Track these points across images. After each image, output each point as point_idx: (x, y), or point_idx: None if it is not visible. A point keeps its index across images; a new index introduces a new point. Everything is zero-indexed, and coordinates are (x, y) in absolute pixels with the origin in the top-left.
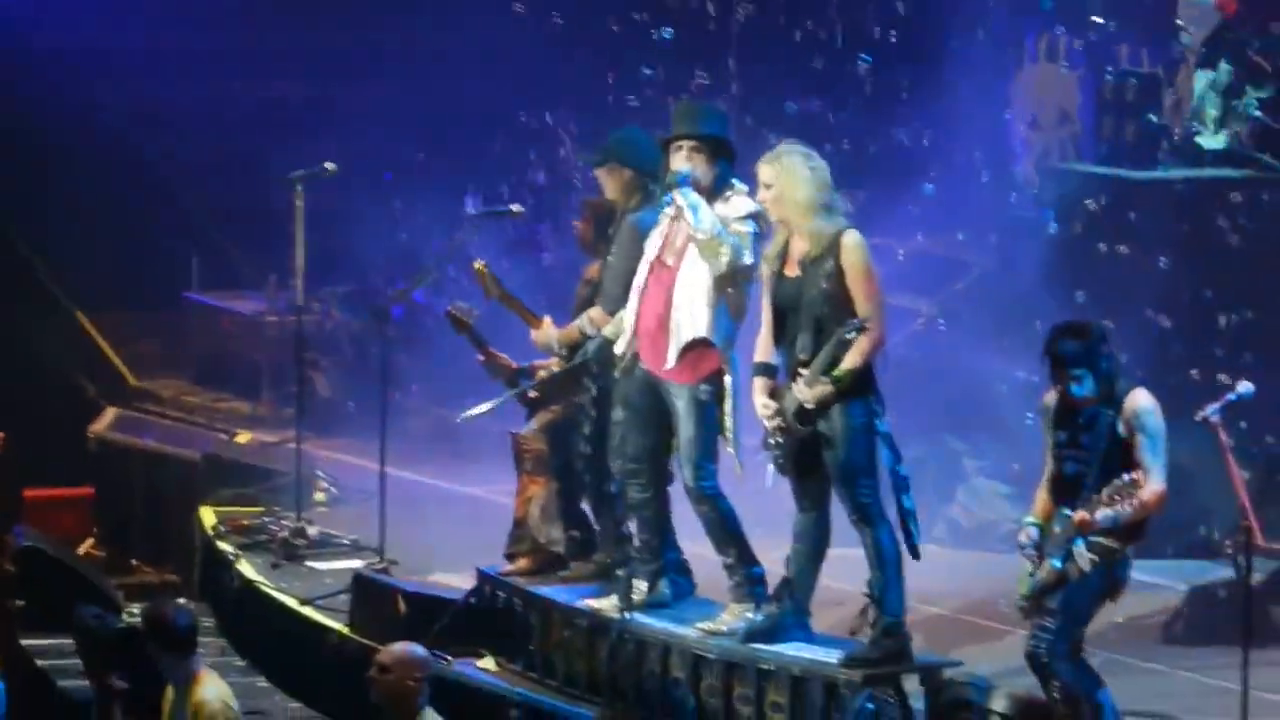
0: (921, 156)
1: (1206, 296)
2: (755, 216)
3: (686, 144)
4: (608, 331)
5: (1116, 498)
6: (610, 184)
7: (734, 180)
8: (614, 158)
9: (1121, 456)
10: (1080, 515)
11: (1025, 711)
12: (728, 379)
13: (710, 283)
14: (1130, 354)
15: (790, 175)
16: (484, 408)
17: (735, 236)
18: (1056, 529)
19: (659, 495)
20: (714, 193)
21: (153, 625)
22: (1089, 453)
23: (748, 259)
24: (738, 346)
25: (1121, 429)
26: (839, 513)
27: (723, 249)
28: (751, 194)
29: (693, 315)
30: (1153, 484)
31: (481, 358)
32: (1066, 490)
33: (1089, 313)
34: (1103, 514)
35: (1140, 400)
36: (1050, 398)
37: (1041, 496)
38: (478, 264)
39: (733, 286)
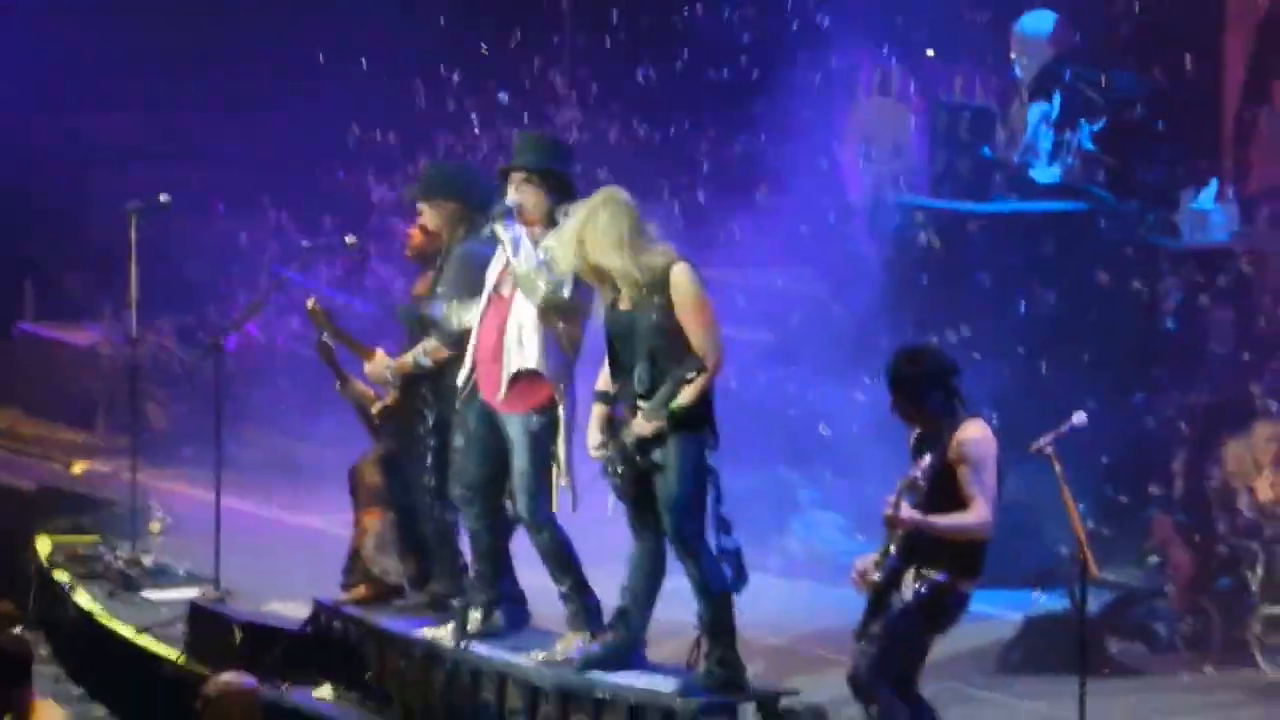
0: (760, 186)
1: (1043, 328)
2: None
3: (518, 175)
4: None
5: (911, 492)
6: (433, 217)
7: (568, 209)
8: (437, 191)
9: (953, 485)
10: (887, 510)
11: None
12: (560, 410)
13: (536, 315)
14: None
15: (599, 220)
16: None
17: (556, 272)
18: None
19: (494, 525)
20: (548, 224)
21: None
22: (923, 480)
23: (566, 292)
24: (580, 377)
25: (950, 455)
26: None
27: (540, 282)
28: None
29: (522, 346)
30: (972, 511)
31: (338, 384)
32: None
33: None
34: (909, 513)
35: (968, 431)
36: (912, 435)
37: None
38: (309, 303)
39: (562, 319)
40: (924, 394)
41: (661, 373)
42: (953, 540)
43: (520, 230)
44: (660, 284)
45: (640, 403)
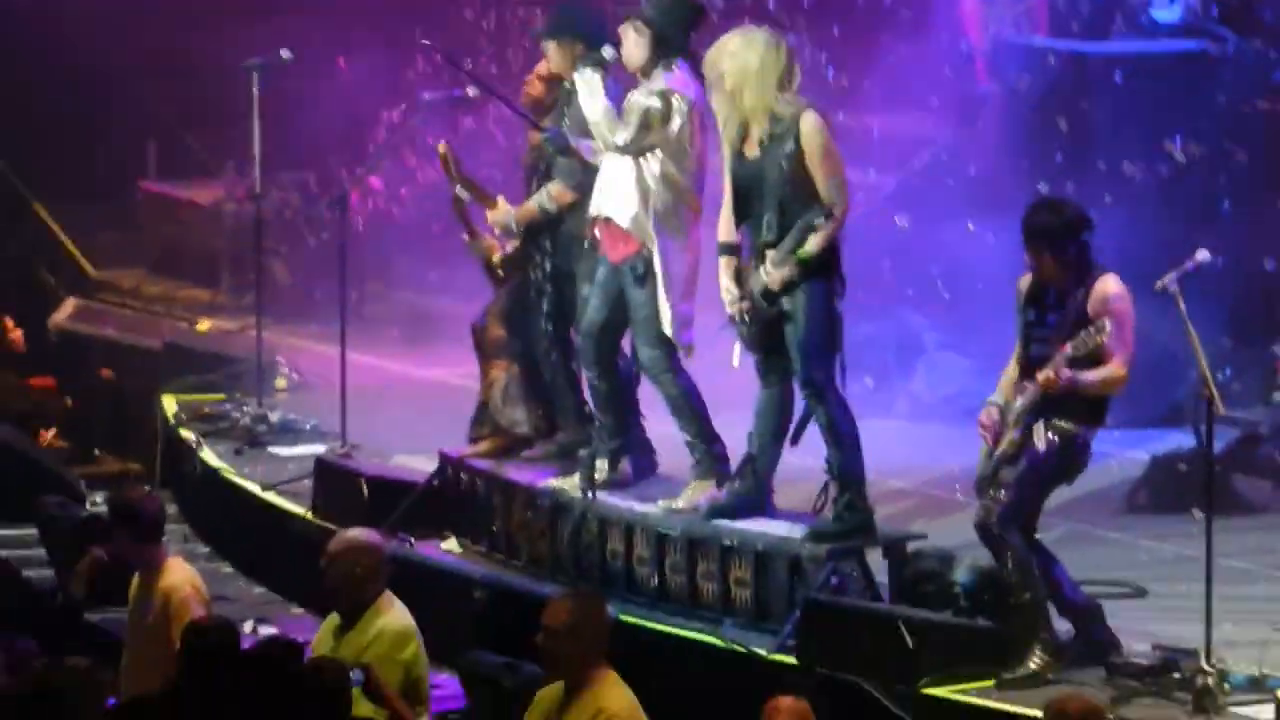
0: (881, 30)
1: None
2: (662, 95)
3: (631, 23)
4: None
5: (1080, 348)
6: (559, 58)
7: (675, 62)
8: (566, 30)
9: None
10: (1044, 374)
11: (987, 582)
12: (655, 259)
13: (630, 164)
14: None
15: (756, 48)
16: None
17: (627, 114)
18: (1018, 404)
19: (610, 373)
20: (649, 71)
21: (120, 512)
22: (1055, 332)
23: (622, 138)
24: (705, 222)
25: (1091, 310)
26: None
27: (606, 132)
28: (695, 73)
29: (612, 197)
30: (1115, 366)
31: (466, 235)
32: (1032, 371)
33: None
34: (1065, 373)
35: (1109, 286)
36: (1024, 280)
37: (1007, 376)
38: (440, 146)
39: (658, 167)
40: (1062, 244)
41: (789, 220)
42: (1085, 393)
43: (595, 81)
44: (790, 132)
45: (768, 251)
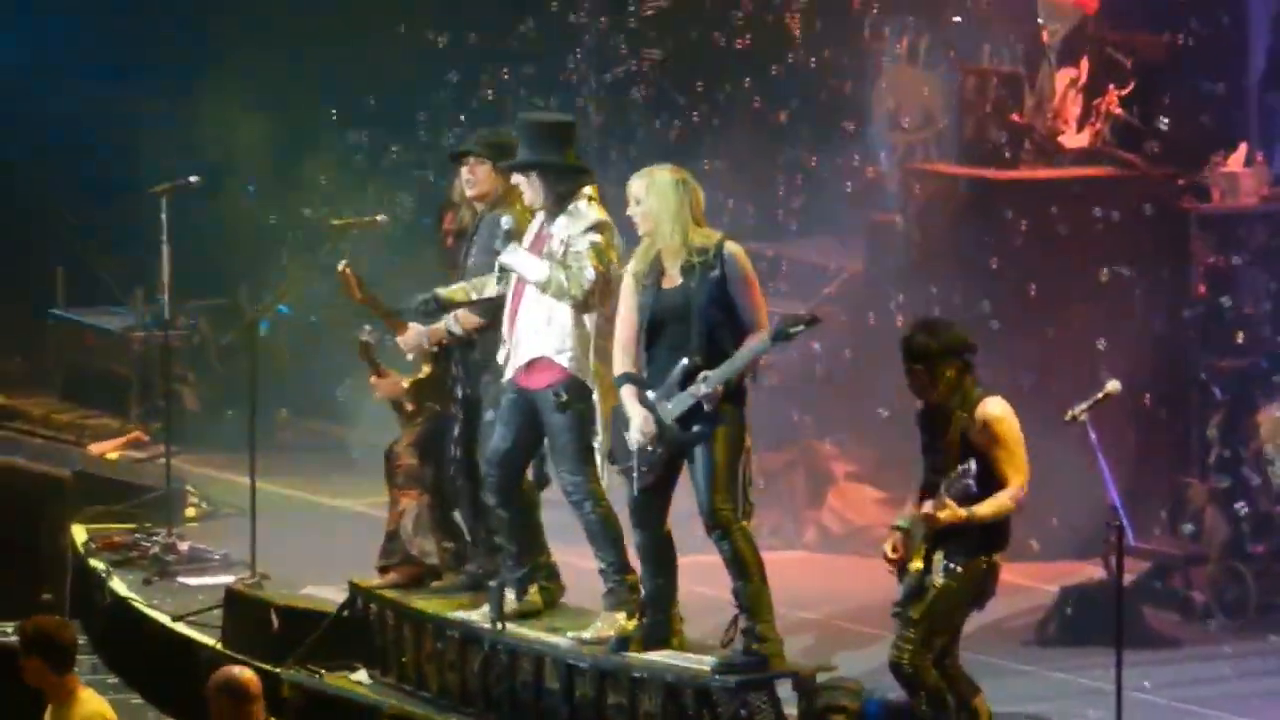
0: (788, 158)
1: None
2: (597, 227)
3: (521, 174)
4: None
5: (955, 488)
6: (481, 179)
7: (584, 189)
8: (498, 154)
9: (977, 458)
10: (925, 512)
11: (897, 715)
12: (593, 390)
13: (561, 305)
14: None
15: (661, 192)
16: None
17: (575, 260)
18: (917, 533)
19: (514, 501)
20: (557, 211)
21: (34, 640)
22: (943, 456)
23: (589, 274)
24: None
25: (975, 437)
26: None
27: (565, 283)
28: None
29: (535, 332)
30: (1007, 495)
31: (374, 378)
32: (929, 494)
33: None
34: (949, 513)
35: (991, 409)
36: (919, 407)
37: (912, 502)
38: (341, 266)
39: (591, 300)
40: (939, 367)
41: (715, 345)
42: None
43: (520, 255)
44: (715, 259)
45: (706, 373)
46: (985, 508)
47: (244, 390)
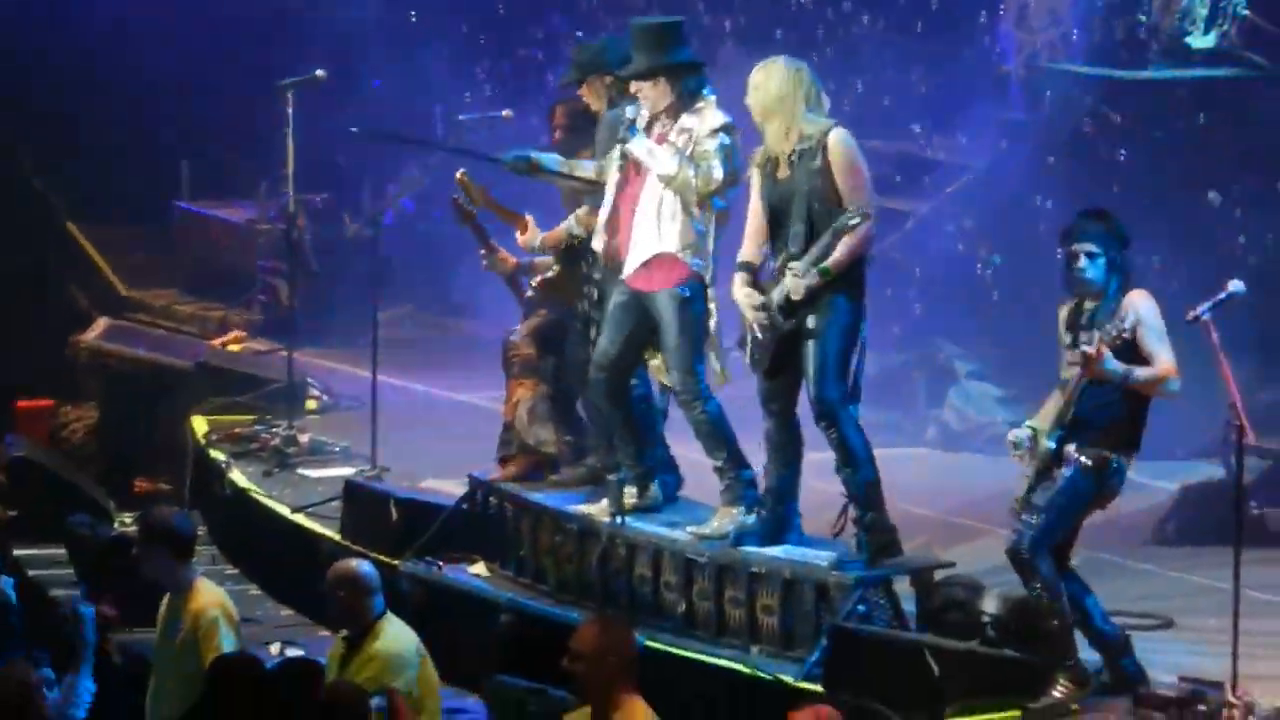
0: (914, 57)
1: (1199, 198)
2: (725, 129)
3: (638, 82)
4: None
5: (1110, 333)
6: (595, 96)
7: (705, 91)
8: (591, 71)
9: (1121, 353)
10: (1084, 349)
11: (1017, 612)
12: (709, 288)
13: (681, 199)
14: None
15: (775, 76)
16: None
17: (704, 159)
18: (1050, 424)
19: (621, 401)
20: (681, 111)
21: (155, 530)
22: (1124, 335)
23: (718, 174)
24: (722, 252)
25: (1125, 324)
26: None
27: (694, 180)
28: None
29: (658, 228)
30: (1164, 364)
31: (483, 251)
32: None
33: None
34: (1114, 364)
35: (1139, 299)
36: (1064, 307)
37: (1047, 404)
38: (460, 174)
39: (715, 199)
40: (1099, 250)
41: (817, 233)
42: (1119, 412)
43: (647, 144)
44: (817, 148)
45: (792, 264)
46: (1143, 371)
47: (341, 286)
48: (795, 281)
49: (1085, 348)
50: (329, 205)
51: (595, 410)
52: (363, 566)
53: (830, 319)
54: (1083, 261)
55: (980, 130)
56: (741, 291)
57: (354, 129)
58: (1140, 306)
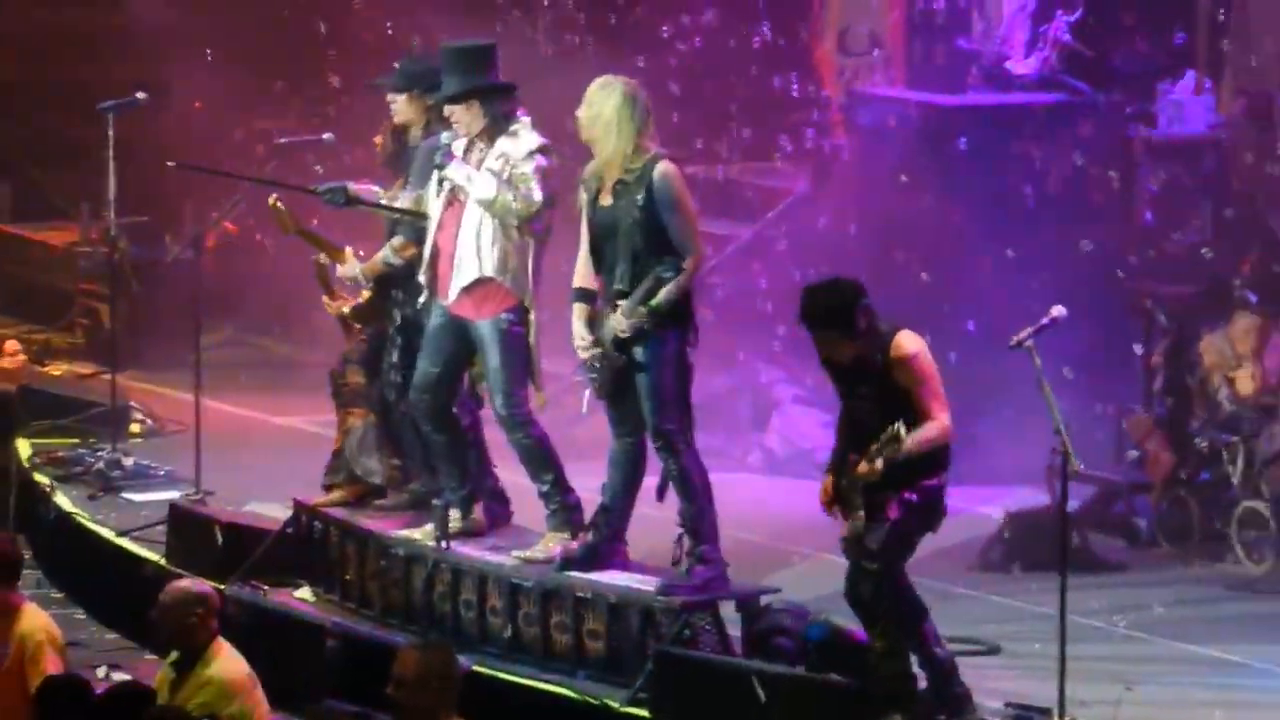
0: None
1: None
2: (542, 150)
3: (453, 104)
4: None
5: (885, 452)
6: (408, 110)
7: (517, 113)
8: (416, 84)
9: (900, 395)
10: (861, 466)
11: (840, 638)
12: (530, 312)
13: (501, 223)
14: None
15: (613, 98)
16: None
17: (522, 181)
18: (845, 482)
19: (444, 425)
20: (496, 134)
21: None
22: (869, 402)
23: (537, 196)
24: (554, 269)
25: (896, 376)
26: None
27: (513, 203)
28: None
29: (478, 252)
30: (936, 424)
31: (325, 297)
32: (860, 438)
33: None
34: (882, 464)
35: (904, 347)
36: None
37: (838, 442)
38: (271, 200)
39: (534, 221)
40: (850, 323)
41: (642, 270)
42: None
43: (463, 169)
44: (642, 180)
45: (620, 301)
46: (912, 444)
47: (162, 310)
48: (623, 322)
49: (859, 469)
50: (150, 227)
51: (418, 433)
52: (202, 587)
53: (660, 351)
54: (839, 345)
55: (801, 155)
56: (577, 325)
57: (170, 163)
58: (906, 360)
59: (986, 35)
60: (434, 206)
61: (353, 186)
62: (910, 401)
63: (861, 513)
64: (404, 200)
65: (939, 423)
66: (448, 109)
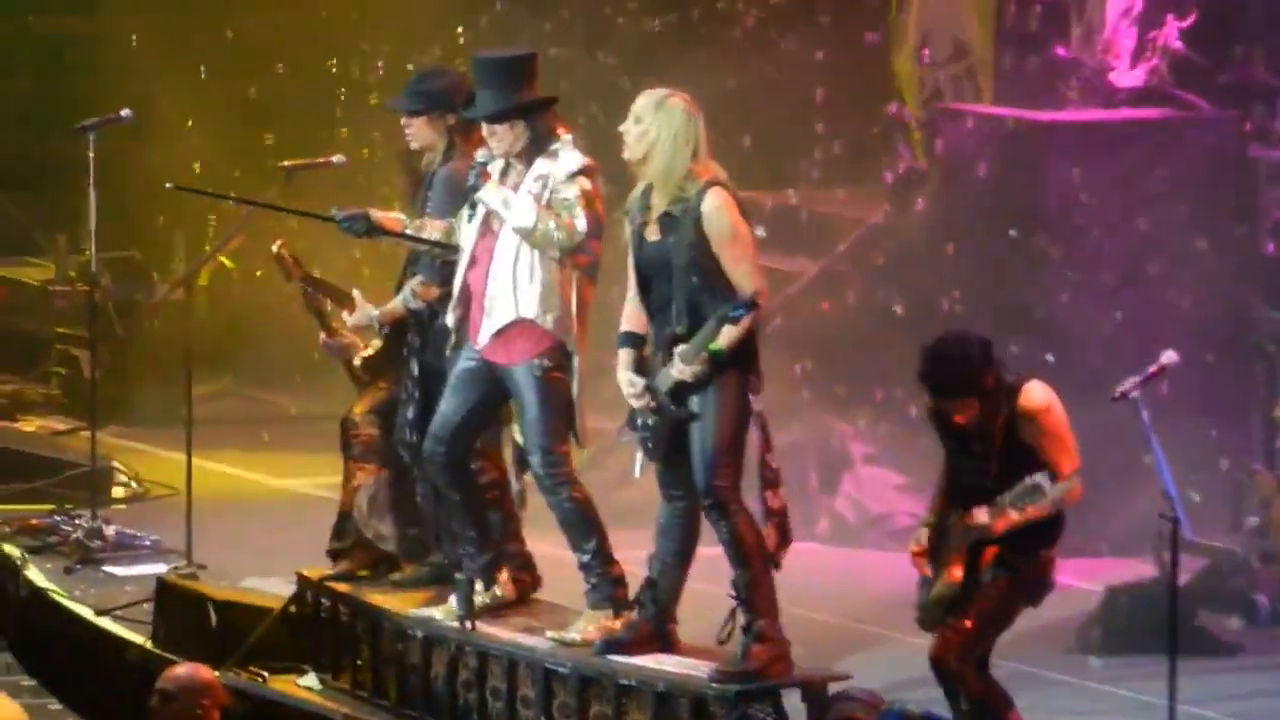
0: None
1: (1124, 252)
2: (585, 171)
3: (487, 124)
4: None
5: (1020, 504)
6: (427, 133)
7: (558, 130)
8: (438, 105)
9: (1021, 452)
10: (978, 516)
11: None
12: (574, 357)
13: (541, 255)
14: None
15: (668, 118)
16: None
17: (564, 207)
18: (959, 534)
19: (462, 481)
20: (535, 154)
21: None
22: (982, 461)
23: (581, 224)
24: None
25: (1020, 432)
26: None
27: (555, 232)
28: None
29: (515, 290)
30: (1070, 483)
31: (324, 335)
32: (964, 496)
33: (986, 270)
34: (1017, 515)
35: (1034, 400)
36: (928, 401)
37: (938, 496)
38: (275, 246)
39: (578, 253)
40: (982, 385)
41: (701, 311)
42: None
43: (500, 192)
44: (692, 214)
45: (677, 345)
46: (1038, 509)
47: (149, 357)
48: (685, 368)
49: (979, 519)
50: (136, 263)
51: (438, 496)
52: (205, 674)
53: (719, 400)
54: (968, 407)
55: (870, 181)
56: (625, 377)
57: (169, 184)
58: (1035, 414)
59: (1086, 42)
60: (466, 238)
61: (375, 214)
62: (1032, 459)
63: (959, 571)
64: (432, 231)
65: (1069, 483)
66: (486, 129)
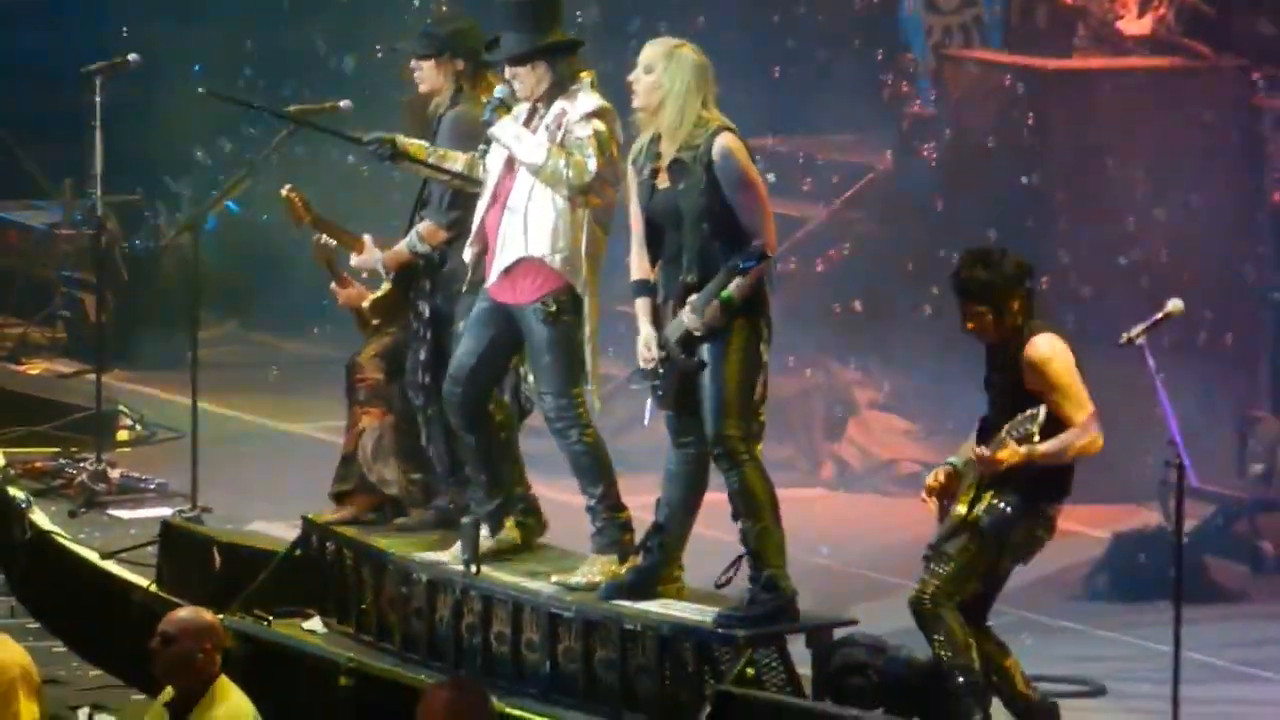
0: (808, 44)
1: (1130, 201)
2: (600, 113)
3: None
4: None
5: (1018, 431)
6: (436, 77)
7: (581, 73)
8: (449, 49)
9: (1031, 400)
10: (981, 453)
11: (925, 677)
12: (584, 300)
13: (552, 194)
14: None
15: (679, 67)
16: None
17: (576, 147)
18: (966, 474)
19: (478, 423)
20: (557, 95)
21: None
22: (999, 392)
23: (592, 164)
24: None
25: (1027, 381)
26: None
27: (564, 170)
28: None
29: (525, 228)
30: (1076, 432)
31: (334, 285)
32: (984, 430)
33: (992, 220)
34: (1007, 451)
35: (1038, 351)
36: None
37: (969, 439)
38: (285, 190)
39: (591, 193)
40: (1008, 303)
41: (712, 260)
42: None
43: (512, 129)
44: (703, 161)
45: (691, 296)
46: (1048, 444)
47: (154, 301)
48: (695, 320)
49: (981, 451)
50: (142, 207)
51: (447, 441)
52: (208, 616)
53: (729, 347)
54: (984, 319)
55: (881, 127)
56: (643, 323)
57: (201, 89)
58: (1040, 365)
59: None
60: (490, 175)
61: (401, 139)
62: (1047, 410)
63: (962, 508)
64: (454, 164)
65: (1079, 430)
66: (509, 71)
